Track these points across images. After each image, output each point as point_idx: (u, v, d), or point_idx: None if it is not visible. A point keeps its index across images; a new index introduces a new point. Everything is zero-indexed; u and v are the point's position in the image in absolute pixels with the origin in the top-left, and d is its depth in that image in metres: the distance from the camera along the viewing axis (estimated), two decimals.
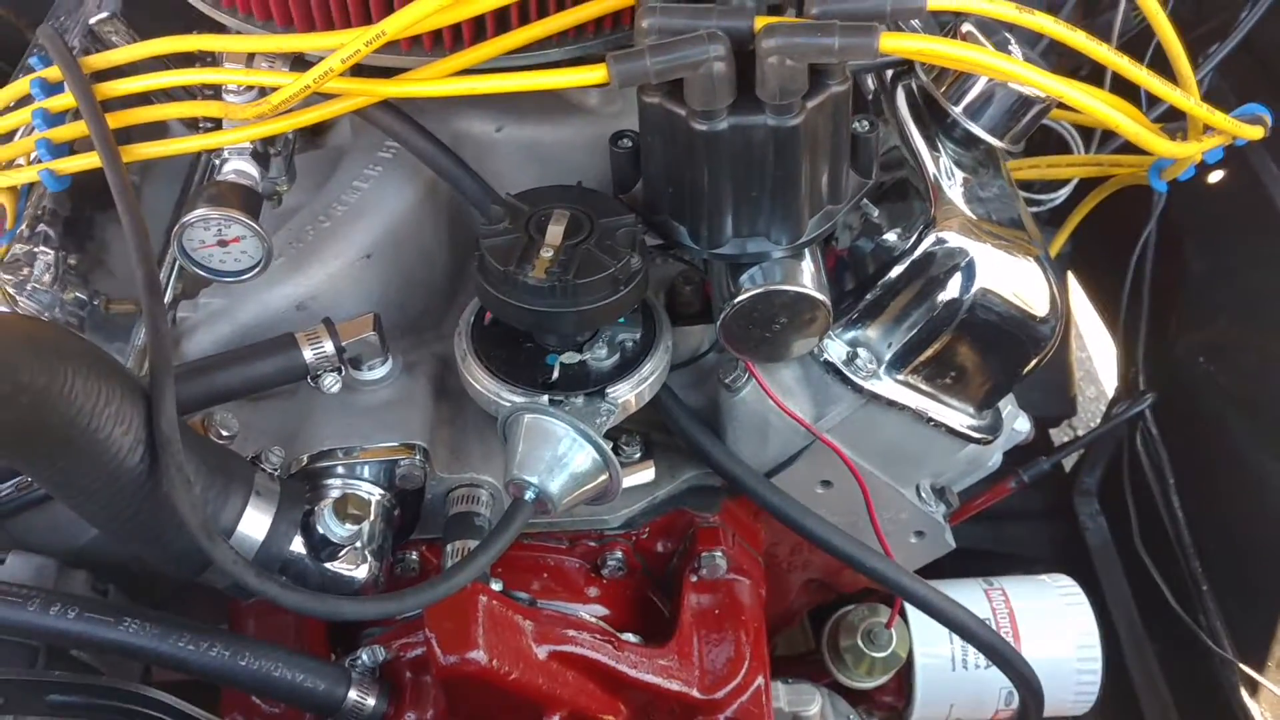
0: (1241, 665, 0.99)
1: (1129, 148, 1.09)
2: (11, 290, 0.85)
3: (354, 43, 0.69)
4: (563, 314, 0.72)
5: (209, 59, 0.80)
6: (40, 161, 0.81)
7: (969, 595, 1.07)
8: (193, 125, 0.89)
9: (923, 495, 0.94)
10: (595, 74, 0.68)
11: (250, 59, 0.78)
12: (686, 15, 0.68)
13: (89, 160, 0.79)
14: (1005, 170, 0.91)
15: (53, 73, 0.81)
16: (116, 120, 0.79)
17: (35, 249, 0.89)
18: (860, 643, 0.99)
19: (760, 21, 0.67)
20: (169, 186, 0.98)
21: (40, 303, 0.87)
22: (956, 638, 1.00)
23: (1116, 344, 1.24)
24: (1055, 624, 1.05)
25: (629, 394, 0.77)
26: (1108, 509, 1.27)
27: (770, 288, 0.75)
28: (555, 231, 0.73)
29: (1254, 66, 1.08)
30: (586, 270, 0.72)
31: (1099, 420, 1.46)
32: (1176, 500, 1.11)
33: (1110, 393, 1.37)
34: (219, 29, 0.84)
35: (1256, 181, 1.10)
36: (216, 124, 0.81)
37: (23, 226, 0.88)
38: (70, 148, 0.82)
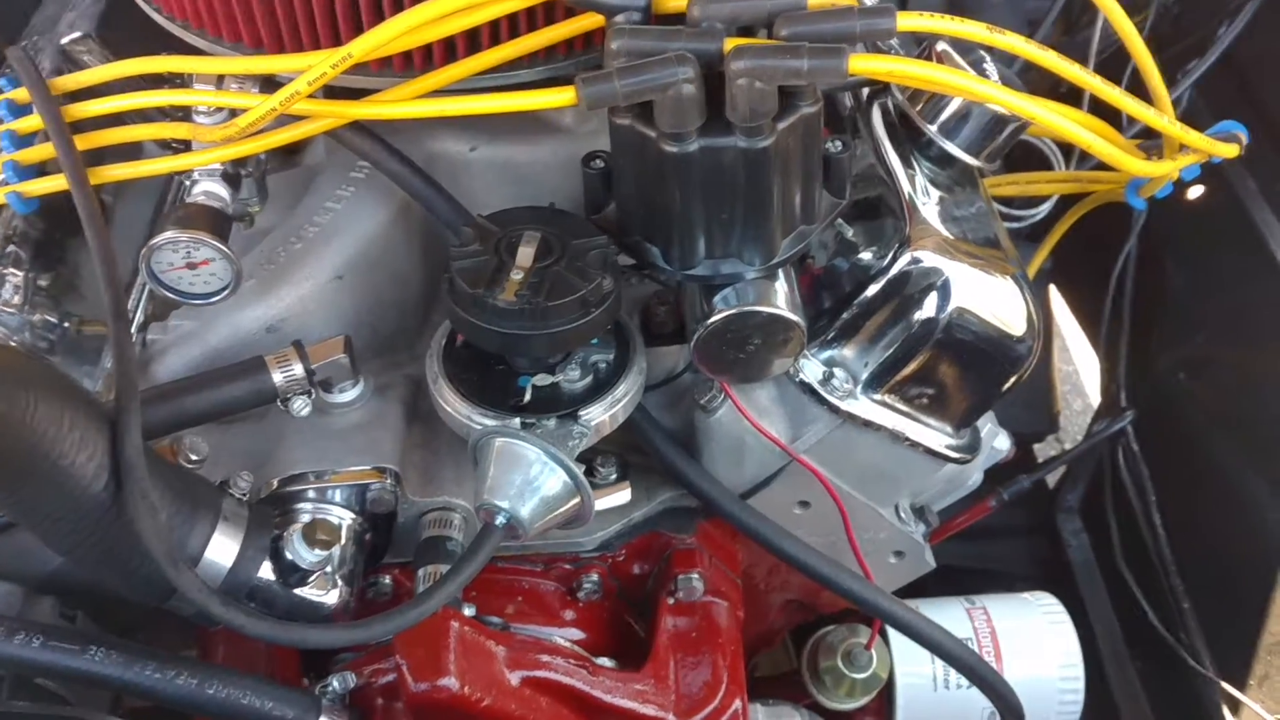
0: (1223, 684, 0.99)
1: (1108, 164, 1.10)
2: None
3: (320, 65, 0.68)
4: (533, 336, 0.71)
5: (180, 80, 0.80)
6: (7, 184, 0.80)
7: (951, 614, 1.06)
8: (166, 145, 0.89)
9: (902, 515, 0.94)
10: (564, 95, 0.67)
11: (220, 80, 0.78)
12: (655, 37, 0.68)
13: (56, 183, 0.78)
14: (982, 187, 0.90)
15: (21, 94, 0.81)
16: (86, 141, 0.78)
17: (4, 270, 0.88)
18: (840, 664, 0.98)
19: (730, 43, 0.67)
20: (144, 205, 0.97)
21: (8, 326, 0.86)
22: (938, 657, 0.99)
23: (1099, 360, 1.23)
24: (1037, 643, 1.05)
25: (602, 416, 0.76)
26: (1090, 526, 1.27)
27: (743, 309, 0.74)
28: (526, 253, 0.73)
29: (1232, 84, 1.08)
30: (557, 292, 0.71)
31: (1085, 434, 1.46)
32: (1158, 517, 1.11)
33: (1095, 401, 1.36)
34: (192, 50, 0.84)
35: (1234, 198, 1.10)
36: (188, 145, 0.80)
37: None
38: (40, 169, 0.81)
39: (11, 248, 0.89)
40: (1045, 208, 1.16)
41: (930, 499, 0.97)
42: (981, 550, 1.21)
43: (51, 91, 0.79)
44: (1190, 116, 1.09)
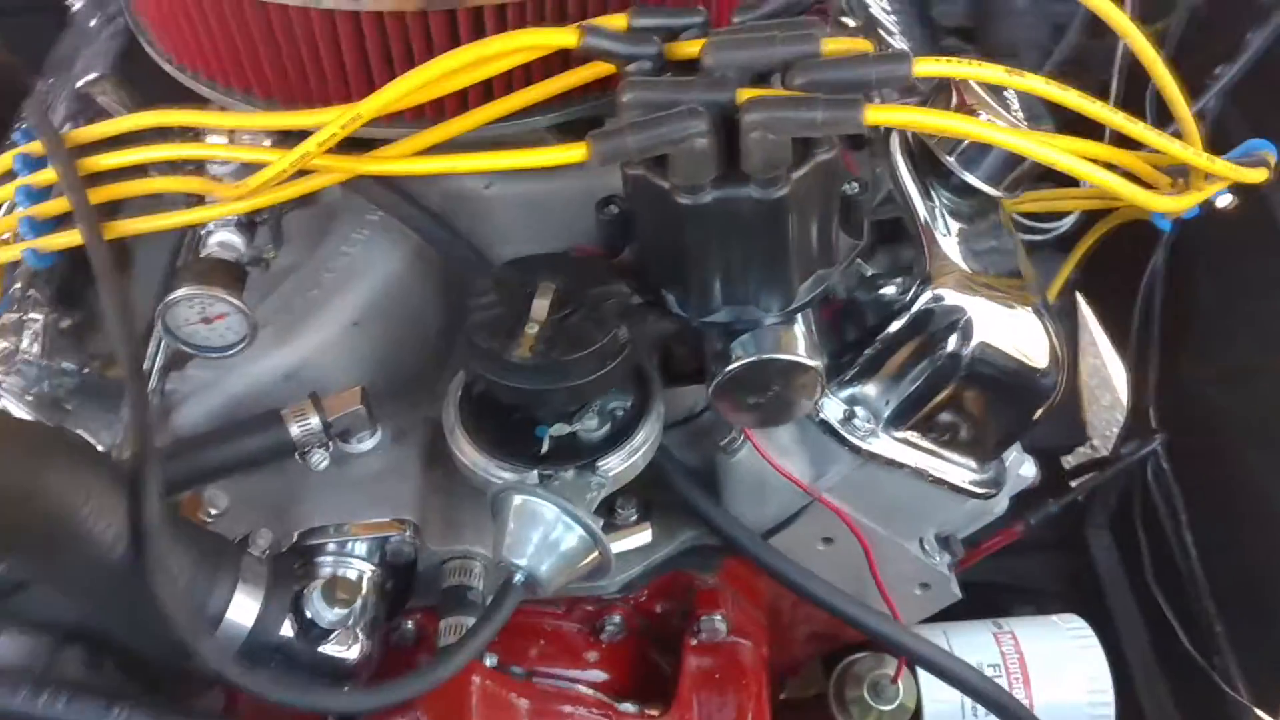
0: (1257, 710, 0.97)
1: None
2: None
3: (331, 125, 0.68)
4: (549, 391, 0.71)
5: (194, 132, 0.79)
6: (24, 239, 0.80)
7: (978, 638, 1.05)
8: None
9: (926, 548, 0.93)
10: (575, 153, 0.66)
11: (232, 134, 0.77)
12: (668, 89, 0.66)
13: (72, 237, 0.78)
14: (1004, 214, 0.89)
15: (36, 147, 0.81)
16: (101, 194, 0.78)
17: (24, 316, 0.88)
18: (866, 695, 0.97)
19: (742, 94, 0.65)
20: (162, 249, 0.97)
21: (27, 377, 0.86)
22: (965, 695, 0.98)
23: (1127, 373, 1.22)
24: (1066, 667, 1.03)
25: (620, 466, 0.75)
26: (1120, 542, 1.25)
27: (761, 357, 0.73)
28: (540, 306, 0.72)
29: (1265, 88, 1.05)
30: (573, 346, 0.70)
31: (1114, 430, 1.44)
32: (1189, 536, 1.09)
33: (1125, 398, 1.34)
34: (203, 98, 0.84)
35: (1264, 208, 1.07)
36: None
37: (13, 293, 0.88)
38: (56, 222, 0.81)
39: (31, 292, 0.89)
40: (1069, 221, 1.15)
41: (956, 529, 0.96)
42: (1009, 566, 1.19)
43: (66, 145, 0.79)
44: (1222, 125, 1.07)
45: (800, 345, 0.74)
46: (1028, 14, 1.26)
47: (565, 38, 0.68)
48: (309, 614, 0.72)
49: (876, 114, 0.64)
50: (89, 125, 0.80)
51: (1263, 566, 1.04)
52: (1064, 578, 1.27)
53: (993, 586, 1.18)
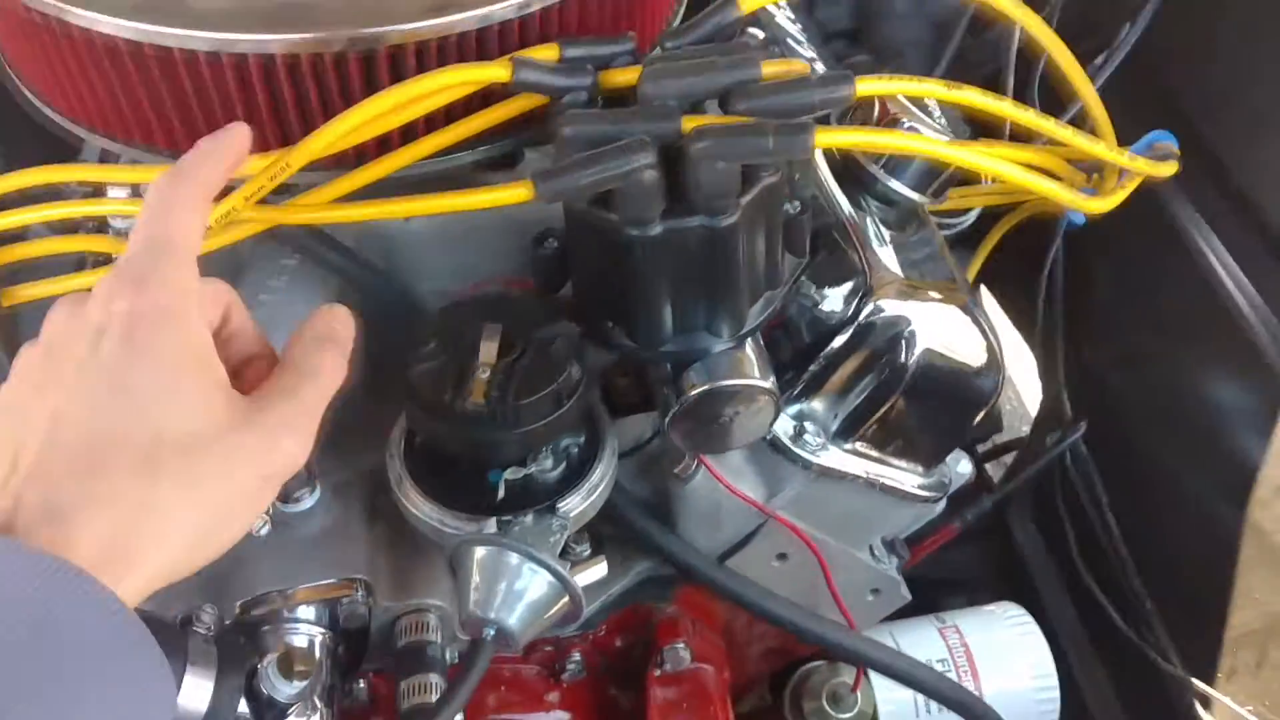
0: (1194, 680, 1.00)
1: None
2: None
3: (259, 177, 0.64)
4: (506, 438, 0.68)
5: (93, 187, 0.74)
6: None
7: (924, 635, 1.06)
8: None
9: (875, 554, 0.93)
10: (519, 192, 0.64)
11: (137, 188, 0.72)
12: (609, 121, 0.65)
13: None
14: (928, 219, 0.90)
15: None
16: None
17: None
18: (826, 705, 0.97)
19: (688, 122, 0.64)
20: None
21: None
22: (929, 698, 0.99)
23: (1037, 362, 1.24)
24: (1010, 656, 1.05)
25: (581, 505, 0.73)
26: (1042, 528, 1.28)
27: (717, 384, 0.72)
28: (489, 349, 0.70)
29: (1140, 81, 1.09)
30: (527, 389, 0.68)
31: (1027, 419, 1.47)
32: (1111, 518, 1.12)
33: (1033, 386, 1.37)
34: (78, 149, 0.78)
35: (1154, 197, 1.11)
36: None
37: None
38: None
39: None
40: (970, 217, 1.17)
41: (899, 532, 0.97)
42: (936, 558, 1.21)
43: None
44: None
45: (755, 369, 0.74)
46: (909, 15, 1.28)
47: (497, 72, 0.66)
48: (265, 691, 0.69)
49: (825, 136, 0.63)
50: None
51: (1183, 543, 1.08)
52: (990, 565, 1.29)
53: (924, 581, 1.20)
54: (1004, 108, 0.69)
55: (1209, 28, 1.04)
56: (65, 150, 0.88)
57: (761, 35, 0.99)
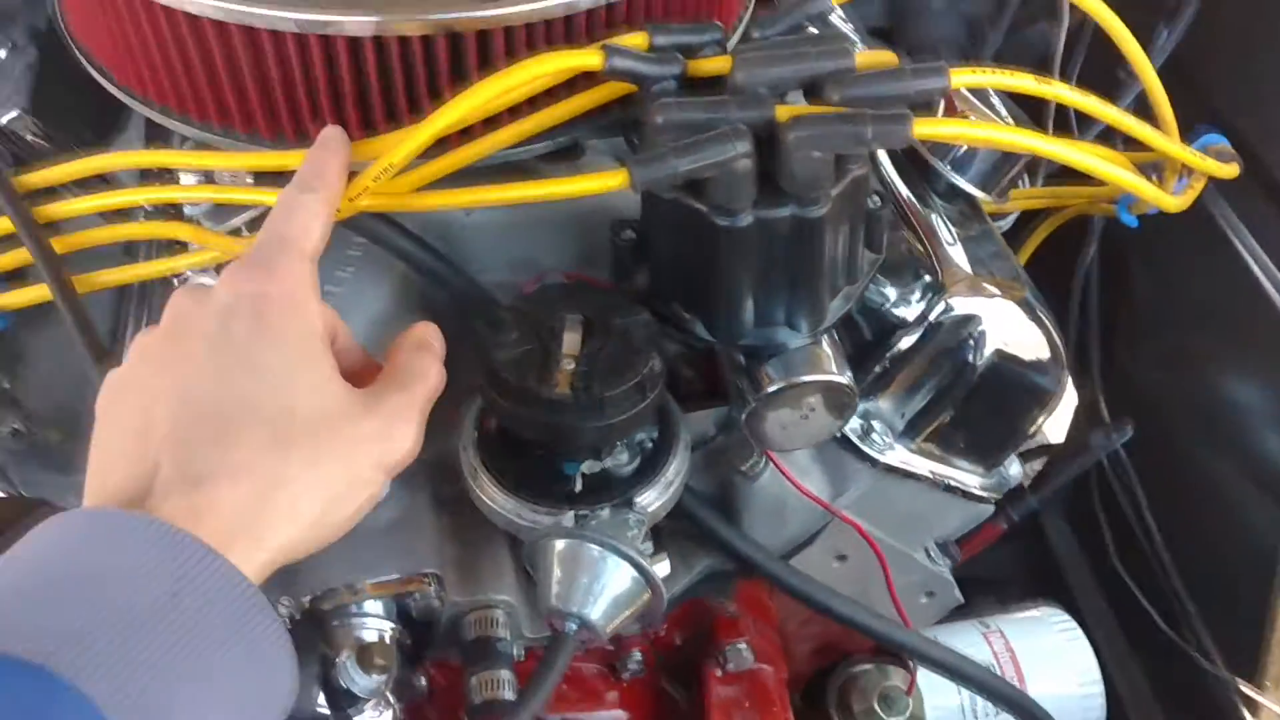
0: (1239, 682, 1.00)
1: (1078, 180, 1.10)
2: None
3: (363, 179, 0.63)
4: (591, 428, 0.67)
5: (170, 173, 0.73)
6: None
7: (968, 639, 1.06)
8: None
9: (931, 555, 0.93)
10: (615, 179, 0.63)
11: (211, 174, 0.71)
12: (702, 109, 0.64)
13: (39, 293, 0.71)
14: (986, 216, 0.90)
15: None
16: (66, 244, 0.71)
17: None
18: (877, 708, 0.96)
19: (783, 111, 0.64)
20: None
21: None
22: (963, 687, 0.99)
23: (1072, 363, 1.24)
24: (1056, 661, 1.05)
25: (658, 500, 0.72)
26: (1076, 528, 1.28)
27: (797, 379, 0.72)
28: (572, 339, 0.69)
29: (1179, 77, 1.09)
30: (611, 379, 0.67)
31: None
32: (1150, 518, 1.12)
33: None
34: (161, 130, 0.77)
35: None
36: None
37: None
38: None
39: None
40: (1010, 220, 1.17)
41: (953, 532, 0.97)
42: (970, 559, 1.21)
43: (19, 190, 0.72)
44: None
45: (832, 364, 0.73)
46: (944, 13, 1.28)
47: (589, 59, 0.65)
48: (343, 684, 0.67)
49: (924, 127, 0.63)
50: (46, 168, 0.73)
51: (1225, 545, 1.08)
52: (1024, 565, 1.29)
53: (958, 581, 1.19)
54: (1090, 104, 0.69)
55: (1247, 25, 1.04)
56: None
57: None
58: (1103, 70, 0.94)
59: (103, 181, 0.77)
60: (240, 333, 0.52)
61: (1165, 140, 0.74)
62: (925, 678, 1.00)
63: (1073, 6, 0.92)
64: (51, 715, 0.40)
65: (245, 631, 0.47)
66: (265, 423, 0.50)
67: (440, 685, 0.81)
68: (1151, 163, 0.88)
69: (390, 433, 0.56)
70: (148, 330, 0.55)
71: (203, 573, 0.46)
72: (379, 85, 0.67)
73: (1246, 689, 1.00)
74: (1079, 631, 1.05)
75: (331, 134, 0.61)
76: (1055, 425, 0.91)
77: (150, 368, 0.52)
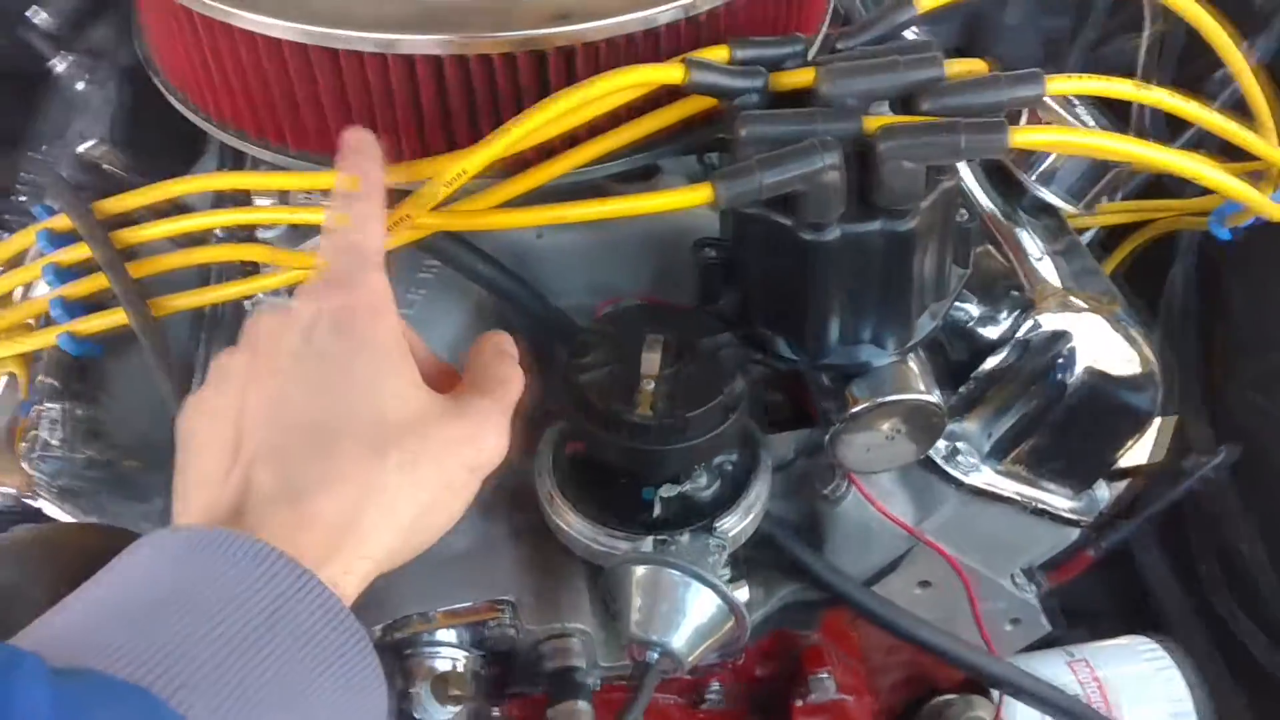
0: None
1: (1166, 193, 1.07)
2: (26, 466, 0.77)
3: (435, 184, 0.62)
4: (676, 451, 0.65)
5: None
6: (54, 322, 0.72)
7: (1053, 669, 1.02)
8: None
9: (1017, 582, 0.90)
10: (700, 194, 0.62)
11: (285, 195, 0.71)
12: (790, 121, 0.62)
13: (115, 317, 0.70)
14: (1072, 230, 0.87)
15: (59, 222, 0.73)
16: (142, 269, 0.71)
17: (39, 407, 0.81)
18: None
19: (873, 122, 0.62)
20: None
21: (45, 472, 0.79)
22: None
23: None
24: (1146, 689, 1.01)
25: (739, 525, 0.70)
26: (1168, 553, 1.23)
27: (885, 399, 0.69)
28: (651, 360, 0.67)
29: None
30: (693, 401, 0.65)
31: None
32: (1250, 546, 1.07)
33: None
34: (234, 153, 0.77)
35: None
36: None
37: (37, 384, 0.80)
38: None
39: (45, 379, 0.81)
40: (1089, 235, 1.14)
41: (1040, 557, 0.93)
42: (1055, 589, 1.17)
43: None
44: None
45: (920, 383, 0.71)
46: (1020, 30, 1.26)
47: (671, 73, 0.64)
48: (418, 715, 0.66)
49: (1021, 136, 0.61)
50: (122, 195, 0.73)
51: None
52: (1112, 593, 1.24)
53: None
54: (1191, 109, 0.66)
55: None
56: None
57: None
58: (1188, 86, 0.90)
59: (178, 209, 0.77)
60: (326, 345, 0.51)
61: (1269, 145, 0.71)
62: (1009, 705, 0.97)
63: (1159, 16, 0.90)
64: None
65: (339, 658, 0.46)
66: (359, 432, 0.50)
67: (515, 718, 0.79)
68: (1248, 174, 0.85)
69: (479, 436, 0.55)
70: (229, 351, 0.54)
71: (301, 597, 0.45)
72: (461, 104, 0.66)
73: None
74: (1169, 661, 1.00)
75: (359, 138, 0.60)
76: (1142, 445, 0.89)
77: (235, 386, 0.52)
